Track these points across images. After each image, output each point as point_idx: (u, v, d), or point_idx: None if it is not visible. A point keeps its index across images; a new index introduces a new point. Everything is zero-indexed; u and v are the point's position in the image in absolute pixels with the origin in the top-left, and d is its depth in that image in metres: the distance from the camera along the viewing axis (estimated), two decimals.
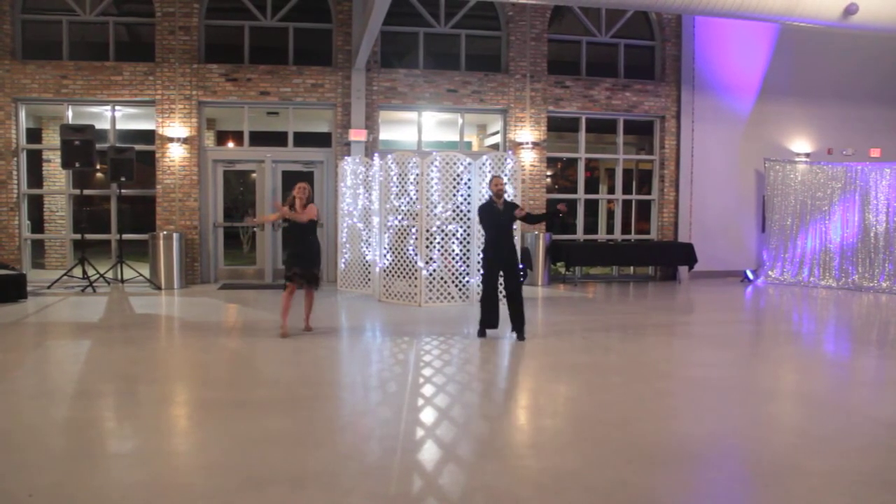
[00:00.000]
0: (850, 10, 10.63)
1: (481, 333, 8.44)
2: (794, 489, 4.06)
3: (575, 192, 15.44)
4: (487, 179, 10.84)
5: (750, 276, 14.95)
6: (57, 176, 15.35)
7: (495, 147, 15.44)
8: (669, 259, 14.96)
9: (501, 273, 8.46)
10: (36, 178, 15.22)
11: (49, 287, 12.31)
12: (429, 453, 4.54)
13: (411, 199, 10.87)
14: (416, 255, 10.82)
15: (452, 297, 11.04)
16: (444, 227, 10.92)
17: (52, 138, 15.25)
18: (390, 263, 11.23)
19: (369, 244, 12.07)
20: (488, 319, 8.42)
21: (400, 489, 3.96)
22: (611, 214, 16.24)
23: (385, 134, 15.02)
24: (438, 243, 10.90)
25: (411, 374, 6.59)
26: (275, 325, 8.70)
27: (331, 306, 10.96)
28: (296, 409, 5.51)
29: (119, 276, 12.97)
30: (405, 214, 11.01)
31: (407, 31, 14.32)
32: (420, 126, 14.42)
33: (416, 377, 6.48)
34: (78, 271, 12.34)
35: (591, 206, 16.21)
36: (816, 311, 11.63)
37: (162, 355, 7.70)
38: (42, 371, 6.86)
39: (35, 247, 14.99)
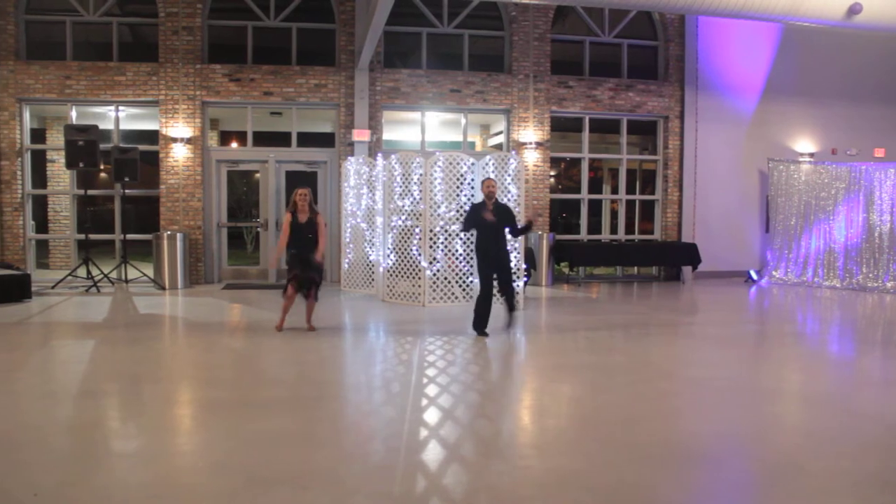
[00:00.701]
0: (853, 10, 10.61)
1: (477, 329, 8.49)
2: (797, 489, 4.05)
3: (578, 192, 15.43)
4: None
5: (754, 276, 14.94)
6: (61, 176, 15.38)
7: (499, 147, 15.44)
8: (673, 259, 14.94)
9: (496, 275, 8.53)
10: (40, 178, 15.25)
11: (53, 287, 12.34)
12: (433, 453, 4.54)
13: (415, 199, 10.87)
14: (419, 255, 10.82)
15: (456, 298, 11.04)
16: (447, 227, 10.92)
17: (56, 138, 15.27)
18: (394, 264, 11.23)
19: (373, 244, 12.07)
20: (479, 321, 8.47)
21: (404, 489, 3.96)
22: (614, 215, 16.22)
23: (388, 134, 15.03)
24: (442, 243, 10.90)
25: (415, 375, 6.58)
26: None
27: (334, 306, 10.96)
28: (300, 409, 5.51)
29: (123, 276, 13.00)
30: (409, 214, 11.01)
31: (410, 32, 14.33)
32: (423, 126, 14.42)
33: (419, 377, 6.48)
34: (82, 271, 12.36)
35: (595, 207, 16.20)
36: (820, 311, 11.60)
37: (166, 355, 7.71)
38: (46, 371, 6.87)
39: (39, 247, 15.02)
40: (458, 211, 10.90)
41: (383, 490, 3.93)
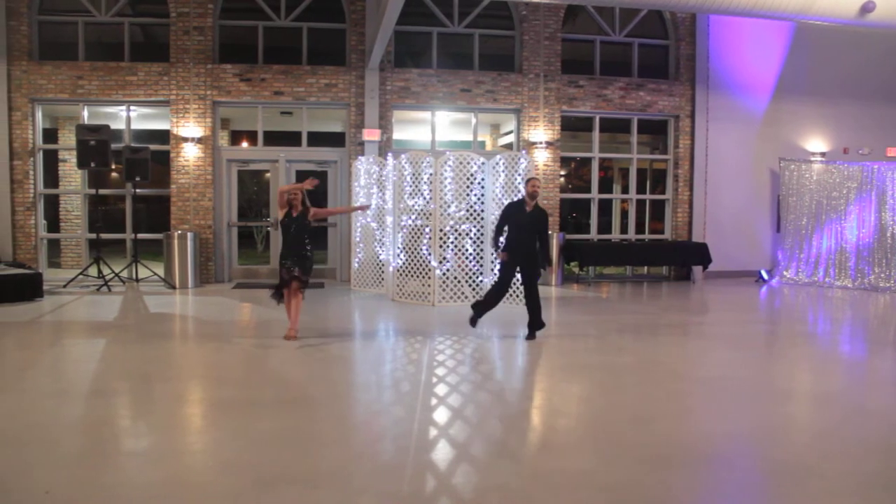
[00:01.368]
0: (866, 8, 10.53)
1: (475, 309, 8.44)
2: (808, 490, 4.03)
3: (589, 191, 15.39)
4: (503, 179, 10.86)
5: (765, 276, 14.86)
6: (73, 176, 15.47)
7: (509, 147, 15.42)
8: (683, 259, 14.87)
9: (518, 271, 8.43)
10: (52, 177, 15.34)
11: (65, 286, 12.40)
12: (442, 453, 4.54)
13: (425, 198, 10.87)
14: (429, 254, 10.82)
15: (466, 297, 11.02)
16: (457, 226, 10.91)
17: (67, 138, 15.35)
18: (404, 263, 11.23)
19: (383, 244, 12.08)
20: (480, 309, 8.43)
21: (413, 488, 3.96)
22: (625, 214, 16.18)
23: (398, 133, 15.03)
24: (452, 243, 10.90)
25: (424, 374, 6.58)
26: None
27: (344, 305, 10.97)
28: (309, 408, 5.52)
29: (134, 276, 13.07)
30: (419, 214, 11.01)
31: (420, 31, 14.32)
32: (433, 126, 14.42)
33: (429, 377, 6.48)
34: (93, 270, 12.43)
35: (605, 206, 16.16)
36: (832, 311, 11.53)
37: (176, 354, 7.74)
38: (57, 369, 6.91)
39: (51, 246, 15.10)
40: (467, 210, 10.90)
41: (392, 489, 3.93)
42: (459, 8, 14.26)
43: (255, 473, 4.13)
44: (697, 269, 14.87)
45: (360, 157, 12.85)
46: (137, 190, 13.74)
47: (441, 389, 6.05)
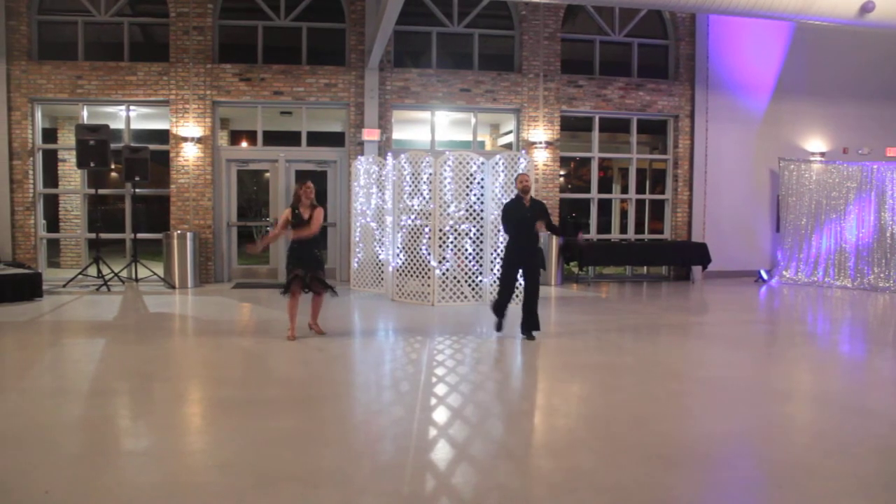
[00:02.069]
0: (866, 8, 10.53)
1: (496, 311, 8.49)
2: (808, 490, 4.03)
3: (588, 191, 15.39)
4: (502, 179, 10.86)
5: (764, 276, 14.87)
6: (72, 175, 15.49)
7: (508, 146, 15.42)
8: (683, 259, 14.87)
9: (521, 272, 8.46)
10: (51, 177, 15.35)
11: (64, 286, 12.40)
12: (442, 453, 4.54)
13: (424, 198, 10.87)
14: (429, 254, 10.82)
15: (465, 297, 11.03)
16: (457, 226, 10.91)
17: (67, 138, 15.36)
18: (403, 263, 11.23)
19: (382, 243, 12.08)
20: (498, 320, 8.49)
21: (413, 488, 3.96)
22: (624, 214, 16.18)
23: (398, 133, 15.04)
24: (451, 243, 10.90)
25: (424, 374, 6.58)
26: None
27: (344, 305, 10.97)
28: (309, 408, 5.52)
29: (133, 275, 13.07)
30: (418, 214, 11.01)
31: (420, 31, 14.32)
32: (433, 125, 14.42)
33: (428, 377, 6.48)
34: (93, 270, 12.42)
35: (605, 206, 16.16)
36: (831, 311, 11.54)
37: (176, 354, 7.74)
38: (57, 369, 6.90)
39: (50, 246, 15.11)
40: (467, 210, 10.89)
41: (392, 489, 3.93)
42: (459, 8, 14.26)
43: (255, 473, 4.13)
44: (697, 269, 14.88)
45: (359, 157, 12.84)
46: (137, 190, 13.74)
47: (441, 389, 6.05)
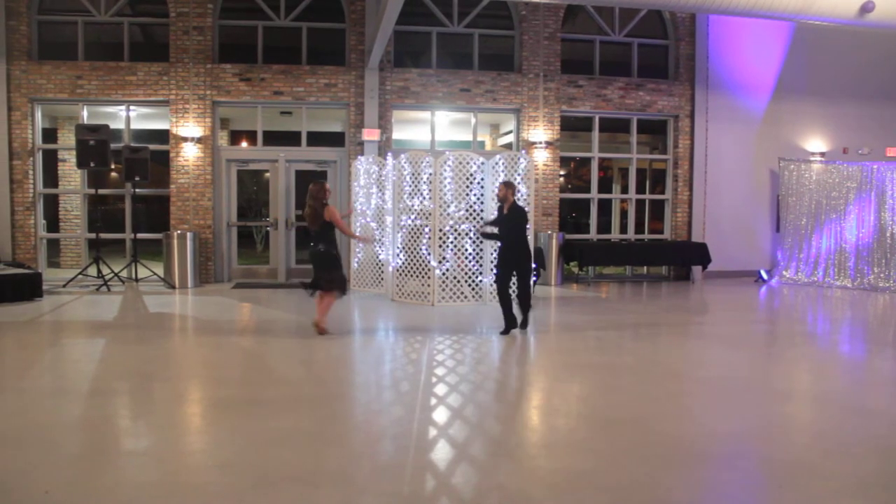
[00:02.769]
0: (866, 8, 10.53)
1: (523, 323, 8.68)
2: (809, 490, 4.03)
3: (588, 191, 15.39)
4: (502, 179, 10.87)
5: (764, 276, 14.87)
6: (72, 175, 15.49)
7: (508, 146, 15.42)
8: (683, 259, 14.87)
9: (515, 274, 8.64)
10: (51, 177, 15.34)
11: (64, 286, 12.40)
12: (442, 453, 4.54)
13: (424, 198, 10.87)
14: (429, 254, 10.82)
15: (465, 297, 11.03)
16: (457, 226, 10.91)
17: (67, 138, 15.36)
18: (403, 263, 11.23)
19: (382, 243, 12.08)
20: (508, 323, 8.55)
21: (413, 488, 3.96)
22: (624, 214, 16.18)
23: (398, 133, 15.03)
24: (451, 243, 10.90)
25: (424, 374, 6.58)
26: (288, 324, 8.73)
27: (344, 305, 10.97)
28: (309, 408, 5.52)
29: (133, 275, 13.07)
30: (418, 214, 11.01)
31: (420, 31, 14.32)
32: (433, 125, 14.42)
33: (428, 376, 6.48)
34: (93, 270, 12.42)
35: (605, 206, 16.16)
36: (831, 311, 11.54)
37: (176, 354, 7.74)
38: (57, 369, 6.90)
39: (50, 246, 15.10)
40: (467, 210, 10.90)
41: (392, 489, 3.93)
42: (459, 8, 14.26)
43: (255, 473, 4.13)
44: (697, 269, 14.88)
45: (359, 157, 12.84)
46: (137, 190, 13.73)
47: (441, 389, 6.05)
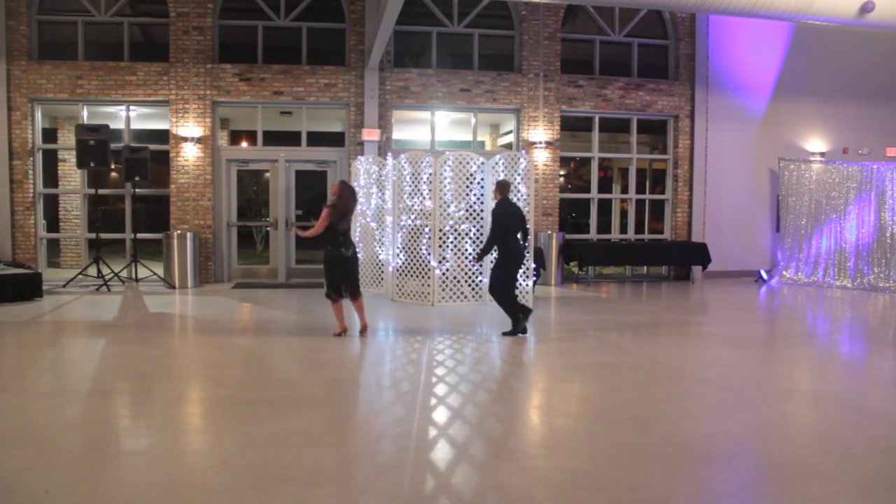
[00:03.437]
0: (866, 8, 10.53)
1: (522, 330, 8.52)
2: (809, 490, 4.03)
3: (588, 191, 15.39)
4: (500, 178, 10.85)
5: (764, 276, 14.87)
6: (72, 175, 15.49)
7: (508, 146, 15.42)
8: (683, 259, 14.87)
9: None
10: (51, 177, 15.34)
11: (64, 286, 12.40)
12: (442, 453, 4.54)
13: (424, 198, 10.87)
14: (429, 254, 10.82)
15: (465, 297, 11.03)
16: (457, 226, 10.91)
17: (67, 138, 15.36)
18: (403, 263, 11.23)
19: (382, 243, 12.07)
20: (515, 321, 8.52)
21: (413, 488, 3.96)
22: (624, 214, 16.18)
23: (398, 133, 15.03)
24: (451, 243, 10.89)
25: (424, 374, 6.58)
26: (288, 324, 8.73)
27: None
28: (309, 408, 5.52)
29: (133, 275, 13.07)
30: (418, 214, 11.01)
31: (420, 31, 14.32)
32: (433, 125, 14.42)
33: (428, 376, 6.48)
34: (93, 270, 12.42)
35: (605, 206, 16.15)
36: (831, 311, 11.54)
37: (176, 354, 7.74)
38: (57, 369, 6.90)
39: (50, 246, 15.11)
40: (467, 210, 10.89)
41: (392, 489, 3.93)
42: (459, 8, 14.26)
43: (255, 473, 4.12)
44: (697, 269, 14.88)
45: (359, 157, 12.84)
46: (137, 190, 13.73)
47: (441, 389, 6.04)
